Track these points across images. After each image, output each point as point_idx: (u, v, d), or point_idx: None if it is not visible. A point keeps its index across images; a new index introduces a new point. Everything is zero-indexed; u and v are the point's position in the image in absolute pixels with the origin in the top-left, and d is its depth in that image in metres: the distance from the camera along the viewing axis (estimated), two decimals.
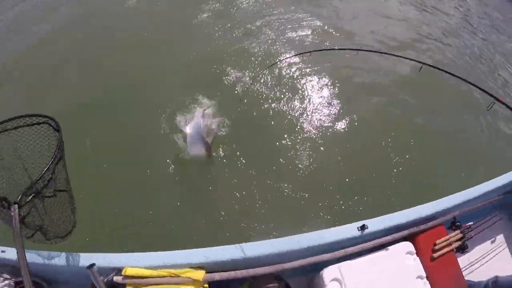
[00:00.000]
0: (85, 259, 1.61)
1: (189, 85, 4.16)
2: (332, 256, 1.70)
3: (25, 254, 1.13)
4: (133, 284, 1.54)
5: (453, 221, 2.18)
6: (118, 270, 1.57)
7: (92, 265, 1.44)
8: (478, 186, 2.36)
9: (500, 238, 2.66)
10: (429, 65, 2.80)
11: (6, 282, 1.78)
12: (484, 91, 2.45)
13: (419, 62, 2.81)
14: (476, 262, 2.39)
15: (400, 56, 3.15)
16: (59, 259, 1.65)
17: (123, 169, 3.15)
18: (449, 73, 2.58)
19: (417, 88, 4.60)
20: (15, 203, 1.09)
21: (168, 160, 3.30)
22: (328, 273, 1.69)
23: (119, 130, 3.55)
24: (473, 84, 2.45)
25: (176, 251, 1.65)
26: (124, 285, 1.54)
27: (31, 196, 1.11)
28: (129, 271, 1.54)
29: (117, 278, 1.54)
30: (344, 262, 1.73)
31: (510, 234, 2.73)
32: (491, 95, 2.43)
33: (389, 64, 4.89)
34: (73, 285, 1.92)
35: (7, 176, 1.22)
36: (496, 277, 2.03)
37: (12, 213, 1.07)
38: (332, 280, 1.68)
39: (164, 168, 3.21)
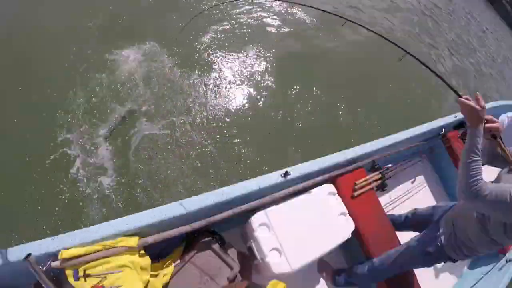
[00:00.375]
0: (20, 252, 1.50)
1: None
2: (258, 203, 1.81)
3: None
4: (71, 266, 1.48)
5: (373, 164, 2.42)
6: (55, 255, 1.49)
7: (28, 255, 1.33)
8: (399, 133, 2.63)
9: (420, 178, 3.02)
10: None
11: None
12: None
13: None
14: (397, 200, 2.69)
15: None
16: None
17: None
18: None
19: None
20: None
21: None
22: (256, 219, 1.80)
23: None
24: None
25: (107, 222, 1.64)
26: (63, 270, 1.48)
27: None
28: (64, 253, 1.46)
29: (55, 264, 1.45)
30: (270, 207, 1.86)
31: (430, 175, 3.10)
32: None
33: None
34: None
35: None
36: (415, 209, 2.31)
37: None
38: (261, 225, 1.80)
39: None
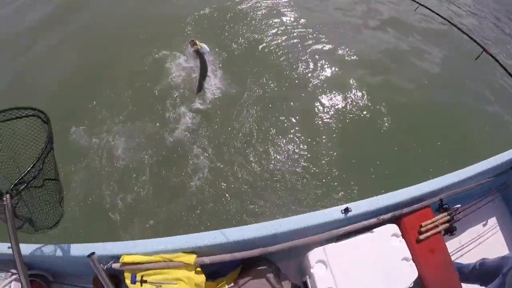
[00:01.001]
0: (85, 249, 1.72)
1: None
2: (317, 239, 1.77)
3: (19, 246, 1.13)
4: (130, 270, 1.65)
5: (440, 203, 2.21)
6: (117, 258, 1.68)
7: (92, 253, 1.54)
8: (468, 167, 2.38)
9: (493, 220, 2.69)
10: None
11: (14, 277, 1.90)
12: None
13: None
14: (466, 246, 2.43)
15: None
16: (61, 251, 1.76)
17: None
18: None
19: None
20: (7, 192, 1.09)
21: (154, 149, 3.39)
22: (313, 255, 1.76)
23: None
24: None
25: (170, 237, 1.75)
26: (122, 271, 1.65)
27: (23, 187, 1.11)
28: (126, 258, 1.65)
29: (116, 265, 1.66)
30: (329, 244, 1.80)
31: (503, 216, 2.75)
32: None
33: None
34: (77, 276, 2.04)
35: None
36: (483, 259, 2.07)
37: (5, 203, 1.06)
38: (318, 261, 1.75)
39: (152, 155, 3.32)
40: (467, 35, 2.35)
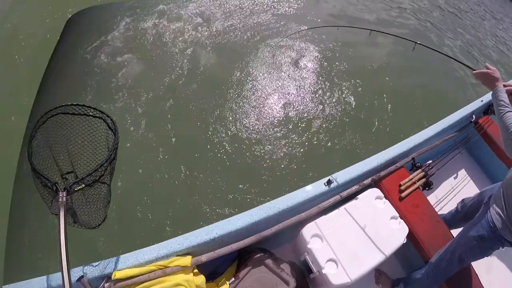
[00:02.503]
0: (75, 273, 1.57)
1: None
2: (308, 215, 1.79)
3: (67, 240, 1.10)
4: (125, 286, 1.53)
5: (413, 162, 2.35)
6: (108, 277, 1.55)
7: (81, 277, 1.42)
8: (433, 126, 2.56)
9: (462, 172, 2.89)
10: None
11: None
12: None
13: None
14: (444, 198, 2.58)
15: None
16: (49, 283, 1.60)
17: None
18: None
19: None
20: (64, 189, 1.09)
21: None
22: (307, 231, 1.77)
23: None
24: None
25: (160, 243, 1.66)
26: None
27: (80, 187, 1.12)
28: (118, 274, 1.52)
29: (108, 285, 1.53)
30: (319, 218, 1.83)
31: (471, 166, 2.97)
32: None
33: None
34: None
35: (50, 162, 1.21)
36: (463, 200, 2.19)
37: (60, 200, 1.07)
38: (313, 236, 1.77)
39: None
40: (400, 36, 2.80)
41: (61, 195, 1.08)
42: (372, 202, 1.97)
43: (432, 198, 2.55)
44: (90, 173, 1.14)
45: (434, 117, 2.91)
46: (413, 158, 2.33)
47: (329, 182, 1.88)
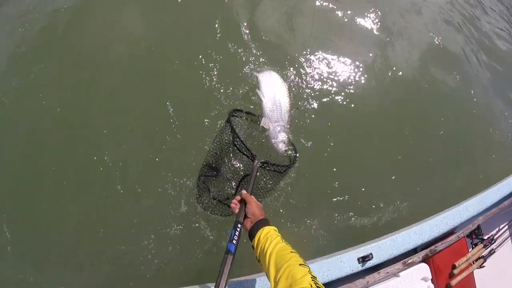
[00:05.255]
0: None
1: None
2: None
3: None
4: None
5: (477, 231, 1.81)
6: None
7: None
8: (495, 187, 1.98)
9: None
10: None
11: None
12: None
13: None
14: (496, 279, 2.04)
15: None
16: None
17: None
18: None
19: None
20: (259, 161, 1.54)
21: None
22: None
23: None
24: None
25: None
26: None
27: (266, 166, 1.56)
28: None
29: None
30: None
31: None
32: None
33: None
34: None
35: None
36: None
37: (255, 164, 1.50)
38: None
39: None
40: None
41: (256, 162, 1.51)
42: (416, 283, 1.49)
43: (481, 276, 2.02)
44: (276, 165, 1.60)
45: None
46: (478, 226, 1.79)
47: (364, 259, 1.38)
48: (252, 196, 1.30)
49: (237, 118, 1.89)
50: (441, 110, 2.95)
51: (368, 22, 3.15)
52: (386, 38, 3.12)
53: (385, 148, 2.55)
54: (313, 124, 2.35)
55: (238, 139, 1.56)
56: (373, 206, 2.20)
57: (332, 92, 2.57)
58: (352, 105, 2.58)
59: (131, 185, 1.97)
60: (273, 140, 1.79)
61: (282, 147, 1.76)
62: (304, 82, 2.53)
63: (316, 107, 2.44)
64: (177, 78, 2.37)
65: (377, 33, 3.12)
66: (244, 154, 1.58)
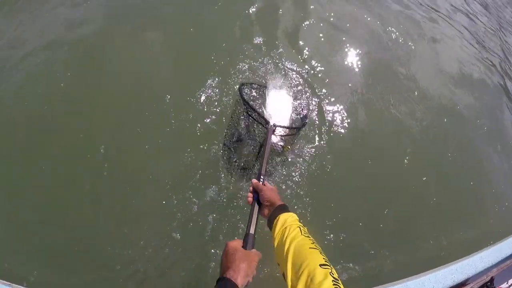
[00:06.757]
0: None
1: None
2: None
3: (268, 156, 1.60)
4: None
5: (488, 283, 1.77)
6: None
7: None
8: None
9: None
10: None
11: None
12: None
13: None
14: None
15: None
16: None
17: None
18: None
19: None
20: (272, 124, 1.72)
21: None
22: None
23: None
24: None
25: None
26: None
27: (279, 130, 1.75)
28: None
29: None
30: None
31: None
32: None
33: None
34: None
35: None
36: None
37: (269, 126, 1.68)
38: None
39: None
40: None
41: (271, 124, 1.66)
42: None
43: None
44: (287, 127, 1.83)
45: None
46: (492, 278, 1.74)
47: None
48: (265, 182, 1.30)
49: (247, 90, 2.13)
50: (459, 159, 3.04)
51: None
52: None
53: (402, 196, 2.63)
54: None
55: (250, 108, 1.70)
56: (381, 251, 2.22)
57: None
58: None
59: (132, 185, 2.06)
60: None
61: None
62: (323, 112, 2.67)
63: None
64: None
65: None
66: (257, 121, 1.76)
